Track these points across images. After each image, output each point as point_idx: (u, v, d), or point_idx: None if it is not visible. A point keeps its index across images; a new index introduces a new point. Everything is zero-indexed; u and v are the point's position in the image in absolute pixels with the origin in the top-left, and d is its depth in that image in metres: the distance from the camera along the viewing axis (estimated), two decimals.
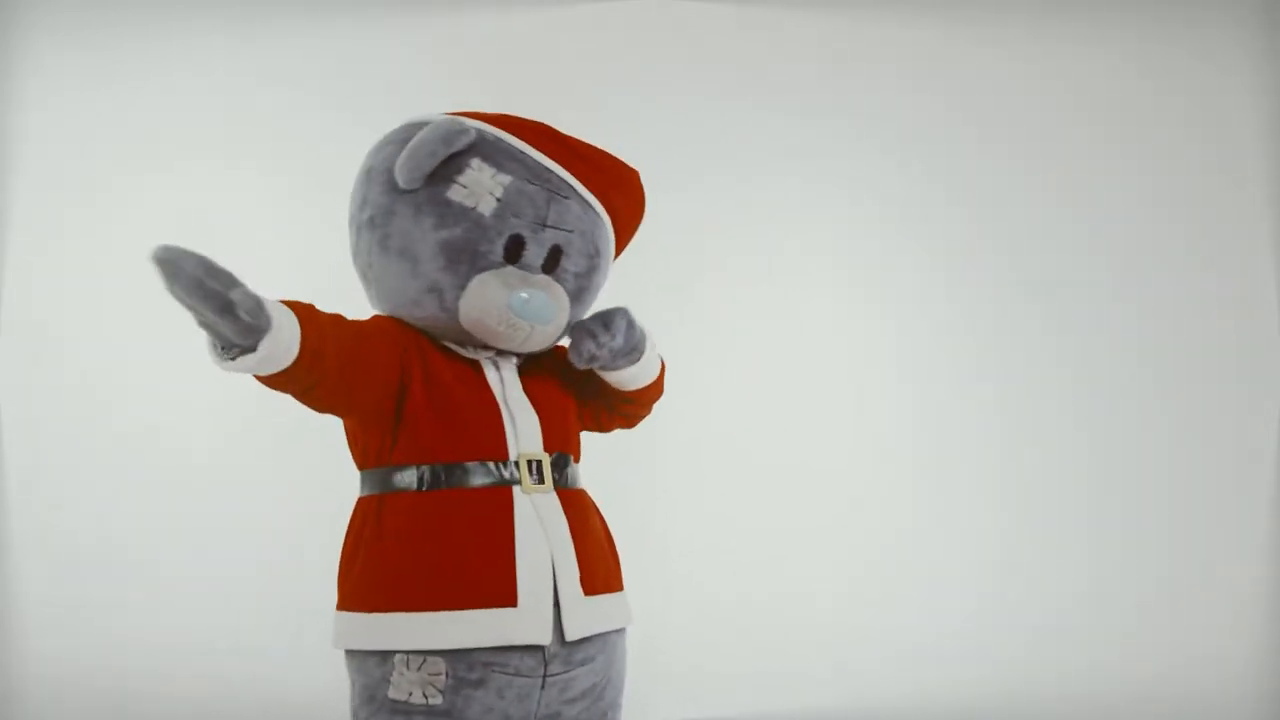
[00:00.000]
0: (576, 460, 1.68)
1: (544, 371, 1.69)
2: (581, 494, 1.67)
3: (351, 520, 1.61)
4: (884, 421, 3.10)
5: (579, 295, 1.67)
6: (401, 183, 1.59)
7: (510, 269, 1.59)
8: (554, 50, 3.04)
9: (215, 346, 1.41)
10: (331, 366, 1.50)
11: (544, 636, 1.54)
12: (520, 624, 1.53)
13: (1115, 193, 3.12)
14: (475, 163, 1.60)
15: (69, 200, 3.04)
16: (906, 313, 3.12)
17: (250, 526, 2.88)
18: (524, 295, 1.58)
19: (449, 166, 1.59)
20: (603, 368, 1.69)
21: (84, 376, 3.00)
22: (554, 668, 1.57)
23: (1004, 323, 3.11)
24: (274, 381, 1.48)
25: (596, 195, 1.67)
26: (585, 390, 1.73)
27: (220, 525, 2.85)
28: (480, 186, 1.59)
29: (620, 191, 1.73)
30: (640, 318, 1.71)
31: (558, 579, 1.55)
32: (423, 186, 1.59)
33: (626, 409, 1.79)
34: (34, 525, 3.01)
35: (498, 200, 1.59)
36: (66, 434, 3.00)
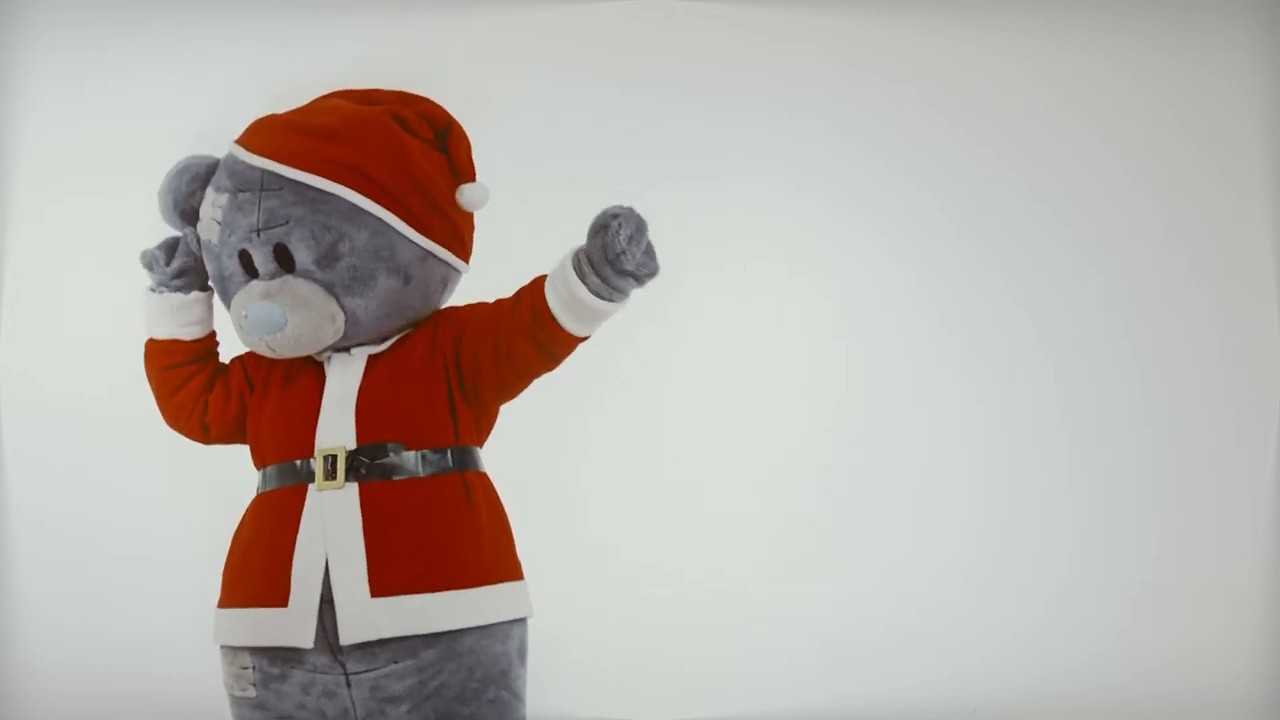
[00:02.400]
0: (416, 446, 1.59)
1: (396, 357, 1.65)
2: (416, 485, 1.59)
3: None
4: (873, 419, 3.11)
5: (340, 280, 1.58)
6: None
7: (253, 284, 1.60)
8: (553, 50, 3.04)
9: (157, 263, 1.68)
10: (210, 358, 1.73)
11: (305, 639, 1.55)
12: (287, 625, 1.56)
13: (1111, 193, 3.12)
14: (208, 193, 1.65)
15: (69, 200, 3.04)
16: (907, 313, 3.12)
17: None
18: (243, 312, 1.60)
19: (200, 203, 1.67)
20: (604, 291, 1.50)
21: (84, 376, 3.01)
22: (354, 666, 1.58)
23: (996, 323, 3.11)
24: (169, 356, 1.70)
25: (318, 170, 1.58)
26: (463, 351, 1.62)
27: (221, 525, 2.85)
28: (207, 216, 1.64)
29: (360, 149, 1.60)
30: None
31: (331, 580, 1.55)
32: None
33: (542, 337, 1.57)
34: (34, 525, 3.02)
35: (219, 224, 1.62)
36: (67, 434, 3.01)
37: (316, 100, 1.71)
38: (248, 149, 1.63)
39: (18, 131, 3.05)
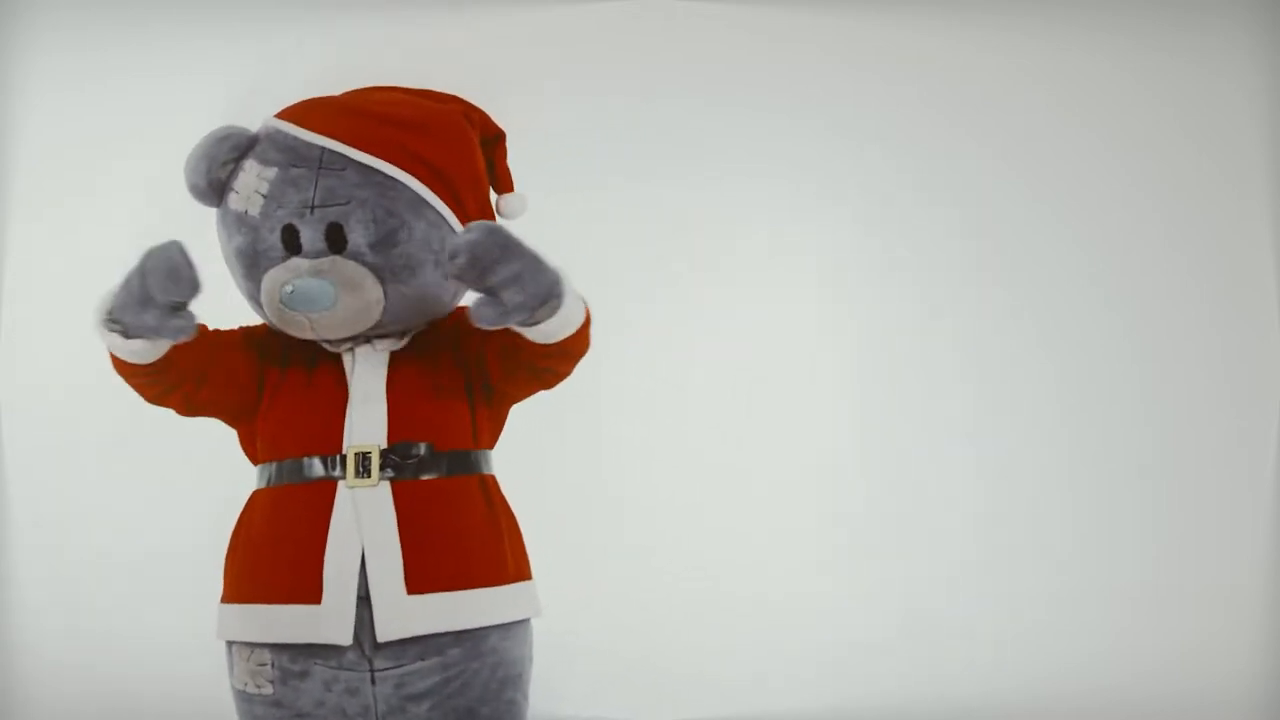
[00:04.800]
0: (442, 447, 1.61)
1: (419, 355, 1.65)
2: (443, 485, 1.61)
3: None
4: (872, 419, 3.11)
5: (390, 266, 1.57)
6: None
7: (293, 260, 1.58)
8: (553, 50, 3.04)
9: (104, 311, 1.52)
10: (186, 371, 1.59)
11: (344, 636, 1.56)
12: (323, 622, 1.56)
13: (1111, 193, 3.12)
14: (247, 164, 1.61)
15: (69, 200, 3.04)
16: (907, 313, 3.12)
17: None
18: (288, 287, 1.56)
19: (232, 175, 1.62)
20: (521, 324, 1.50)
21: (84, 376, 3.00)
22: (381, 663, 1.58)
23: (996, 323, 3.11)
24: (130, 372, 1.58)
25: (386, 156, 1.58)
26: (484, 361, 1.64)
27: (221, 525, 2.85)
28: (247, 188, 1.60)
29: (429, 141, 1.62)
30: (552, 258, 1.49)
31: (369, 578, 1.56)
32: (218, 201, 1.62)
33: (544, 366, 1.61)
34: (34, 525, 3.02)
35: (264, 196, 1.58)
36: (67, 434, 3.01)
37: (369, 90, 1.69)
38: (304, 126, 1.60)
39: (18, 131, 3.05)
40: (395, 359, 1.65)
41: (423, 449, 1.60)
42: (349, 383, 1.63)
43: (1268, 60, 3.07)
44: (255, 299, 1.63)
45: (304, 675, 1.60)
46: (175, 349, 1.57)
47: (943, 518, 3.08)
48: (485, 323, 1.47)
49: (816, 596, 3.03)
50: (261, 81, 2.96)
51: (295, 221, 1.58)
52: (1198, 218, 3.11)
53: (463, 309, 1.66)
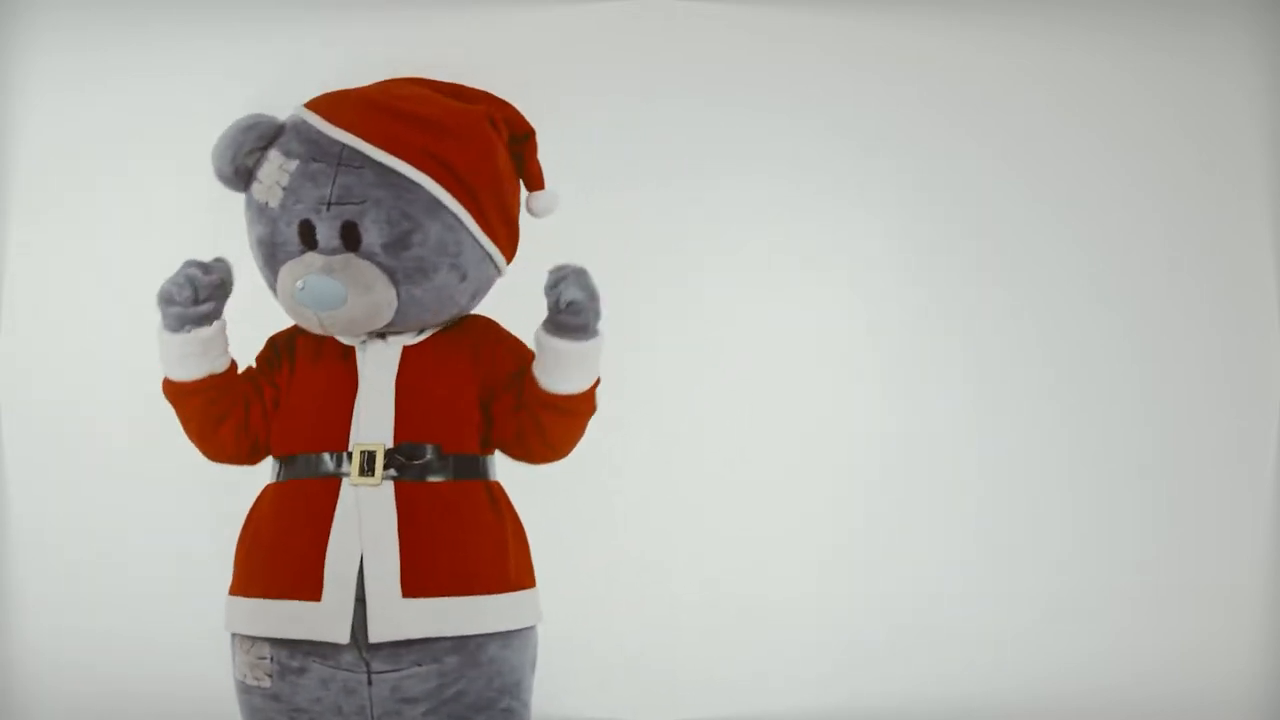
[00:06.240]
0: (450, 450, 1.61)
1: (434, 355, 1.65)
2: (448, 488, 1.60)
3: None
4: (871, 418, 3.10)
5: (404, 268, 1.56)
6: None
7: (309, 255, 1.57)
8: (552, 50, 3.04)
9: (183, 298, 1.56)
10: (234, 390, 1.64)
11: (341, 635, 1.56)
12: (321, 620, 1.56)
13: (1111, 193, 3.12)
14: (271, 155, 1.60)
15: (69, 200, 3.04)
16: (907, 313, 3.12)
17: None
18: (300, 284, 1.56)
19: (257, 164, 1.62)
20: (560, 313, 1.58)
21: (84, 376, 3.00)
22: (378, 665, 1.58)
23: (996, 322, 3.11)
24: (187, 391, 1.62)
25: (406, 156, 1.57)
26: (495, 381, 1.66)
27: (222, 525, 2.85)
28: (269, 179, 1.59)
29: (451, 144, 1.60)
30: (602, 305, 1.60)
31: (365, 578, 1.56)
32: (245, 188, 1.63)
33: (538, 416, 1.63)
34: (34, 525, 3.02)
35: (284, 189, 1.58)
36: (67, 433, 3.01)
37: (399, 83, 1.68)
38: (328, 120, 1.60)
39: (18, 131, 3.04)
40: (408, 356, 1.64)
41: (429, 451, 1.60)
42: (360, 379, 1.62)
43: (1268, 60, 3.07)
44: (273, 288, 1.64)
45: (301, 671, 1.60)
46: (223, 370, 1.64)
47: (942, 518, 3.08)
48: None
49: (817, 597, 3.03)
50: (263, 81, 2.97)
51: (312, 217, 1.57)
52: (1198, 218, 3.11)
53: (486, 319, 1.71)
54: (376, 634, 1.55)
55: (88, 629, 2.94)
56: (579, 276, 1.58)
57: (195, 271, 1.59)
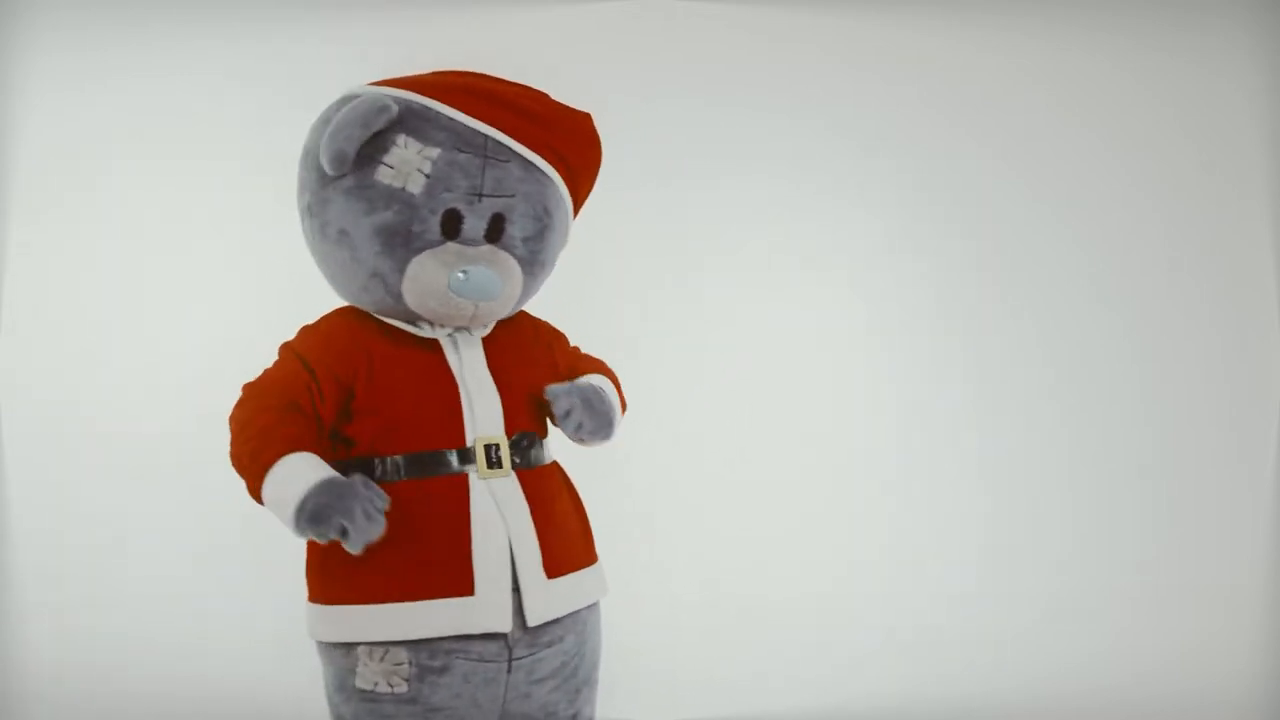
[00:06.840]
0: (544, 436, 1.69)
1: (510, 345, 1.69)
2: (546, 472, 1.68)
3: None
4: (870, 419, 3.11)
5: (532, 261, 1.64)
6: (327, 170, 1.59)
7: (450, 245, 1.59)
8: (552, 50, 3.04)
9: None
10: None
11: (503, 624, 1.58)
12: (478, 612, 1.58)
13: (1111, 193, 3.12)
14: (401, 139, 1.59)
15: (69, 200, 3.04)
16: (906, 313, 3.13)
17: (253, 525, 2.89)
18: (460, 274, 1.57)
19: (374, 146, 1.59)
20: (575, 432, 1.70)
21: (85, 376, 3.01)
22: (519, 651, 1.62)
23: (995, 322, 3.12)
24: None
25: (540, 153, 1.64)
26: (566, 369, 1.75)
27: (223, 525, 2.85)
28: (407, 165, 1.58)
29: (569, 142, 1.69)
30: (610, 393, 1.72)
31: (517, 565, 1.59)
32: (351, 170, 1.59)
33: None
34: (34, 525, 3.02)
35: (426, 176, 1.58)
36: (67, 434, 3.01)
37: (513, 83, 1.70)
38: (467, 113, 1.61)
39: (18, 131, 3.04)
40: (487, 347, 1.67)
41: (534, 438, 1.65)
42: (455, 372, 1.63)
43: (1268, 60, 3.07)
44: (379, 275, 1.61)
45: (444, 670, 1.60)
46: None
47: (942, 518, 3.08)
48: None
49: (817, 597, 3.03)
50: (261, 81, 2.97)
51: (460, 206, 1.58)
52: (1198, 218, 3.11)
53: (535, 317, 1.76)
54: (535, 617, 1.59)
55: (88, 629, 2.94)
56: (586, 408, 1.66)
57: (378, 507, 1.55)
